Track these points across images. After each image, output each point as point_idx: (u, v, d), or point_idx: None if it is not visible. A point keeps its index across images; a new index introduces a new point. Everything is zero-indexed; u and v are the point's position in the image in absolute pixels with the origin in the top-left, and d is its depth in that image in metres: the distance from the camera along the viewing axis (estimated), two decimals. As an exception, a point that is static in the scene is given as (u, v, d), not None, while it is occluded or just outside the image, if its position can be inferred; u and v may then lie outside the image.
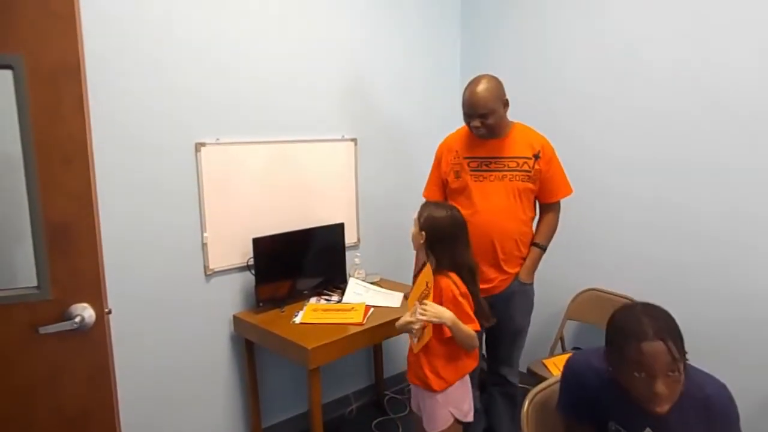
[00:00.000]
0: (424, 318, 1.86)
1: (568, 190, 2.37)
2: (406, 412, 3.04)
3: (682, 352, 1.27)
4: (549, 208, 2.37)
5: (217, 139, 2.44)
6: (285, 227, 2.62)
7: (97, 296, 1.43)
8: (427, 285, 1.90)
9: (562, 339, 2.88)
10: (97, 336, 1.44)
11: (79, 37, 1.34)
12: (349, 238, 2.92)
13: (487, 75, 2.22)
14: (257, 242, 2.46)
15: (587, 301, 2.82)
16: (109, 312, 1.48)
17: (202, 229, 2.42)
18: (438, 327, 1.93)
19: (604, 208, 2.82)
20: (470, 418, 2.08)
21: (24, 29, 1.28)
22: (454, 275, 1.98)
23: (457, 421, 2.04)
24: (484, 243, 2.22)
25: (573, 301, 2.87)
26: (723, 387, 1.36)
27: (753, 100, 2.27)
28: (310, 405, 2.26)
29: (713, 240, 2.44)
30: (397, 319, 2.20)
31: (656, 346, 1.24)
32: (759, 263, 2.32)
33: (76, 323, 1.37)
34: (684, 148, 2.49)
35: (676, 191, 2.54)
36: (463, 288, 1.97)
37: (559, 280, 2.97)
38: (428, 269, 1.92)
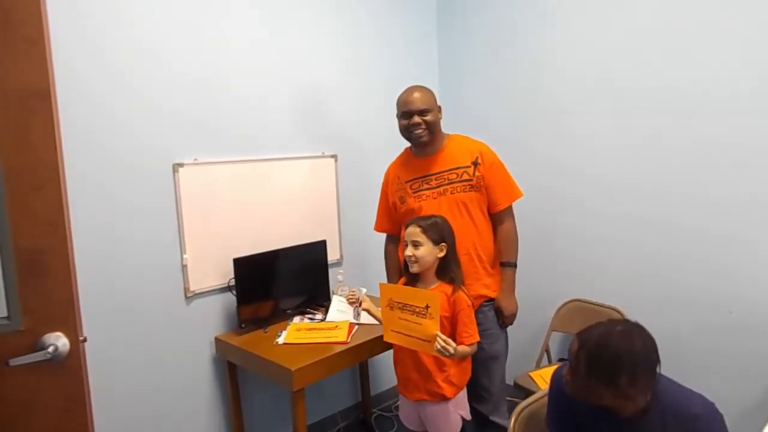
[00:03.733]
0: (446, 354, 1.80)
1: (515, 194, 2.26)
2: (394, 430, 3.01)
3: (610, 381, 1.27)
4: (500, 217, 2.24)
5: (195, 160, 2.41)
6: (266, 246, 2.58)
7: (71, 324, 1.39)
8: (426, 307, 1.81)
9: (548, 351, 2.88)
10: (71, 365, 1.39)
11: (50, 60, 1.32)
12: (332, 255, 2.90)
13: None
14: (238, 262, 2.43)
15: (572, 311, 2.82)
16: (84, 340, 1.43)
17: (182, 250, 2.39)
18: (451, 334, 1.94)
19: (586, 220, 2.83)
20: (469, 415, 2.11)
21: (-10, 53, 1.25)
22: (464, 287, 2.01)
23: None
24: None
25: (557, 312, 2.87)
26: (712, 406, 1.32)
27: (731, 117, 2.30)
28: (294, 428, 2.21)
29: (692, 251, 2.46)
30: (382, 336, 2.20)
31: (572, 343, 1.39)
32: (738, 274, 2.34)
33: (49, 353, 1.32)
34: (663, 162, 2.52)
35: (656, 204, 2.56)
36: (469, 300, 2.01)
37: (543, 291, 2.97)
38: (435, 295, 1.84)
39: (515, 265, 2.27)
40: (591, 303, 2.74)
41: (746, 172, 2.28)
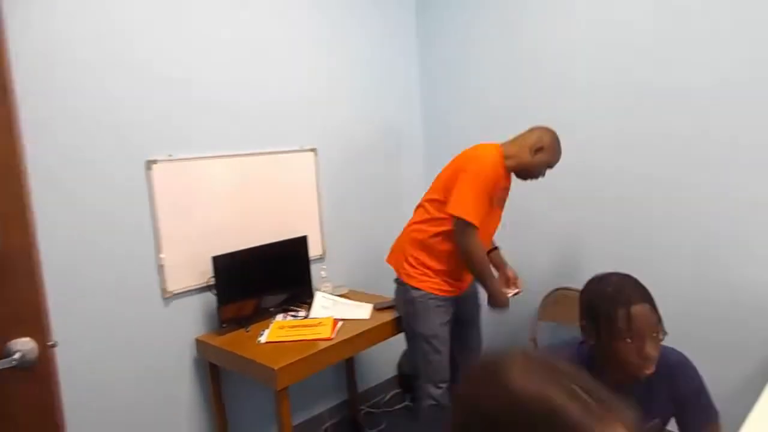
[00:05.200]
0: None
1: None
2: (382, 426, 2.97)
3: (659, 316, 1.34)
4: None
5: (170, 156, 2.33)
6: (246, 243, 2.52)
7: (39, 329, 1.32)
8: None
9: (534, 341, 2.86)
10: (41, 372, 1.33)
11: (6, 53, 1.24)
12: (314, 250, 2.84)
13: None
14: (217, 260, 2.36)
15: (559, 300, 2.81)
16: (54, 345, 1.36)
17: (158, 250, 2.31)
18: None
19: (570, 209, 2.81)
20: None
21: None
22: None
23: None
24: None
25: (544, 301, 2.85)
26: (683, 355, 1.45)
27: (709, 108, 2.32)
28: (280, 428, 2.16)
29: (679, 237, 2.47)
30: (367, 332, 2.16)
31: (644, 309, 1.30)
32: (718, 259, 2.36)
33: (15, 360, 1.25)
34: (645, 150, 2.52)
35: (641, 190, 2.56)
36: None
37: (529, 281, 2.95)
38: None
39: None
40: (578, 291, 2.72)
41: (731, 163, 2.29)
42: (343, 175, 3.04)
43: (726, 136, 2.29)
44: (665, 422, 1.47)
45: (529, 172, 2.31)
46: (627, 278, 1.39)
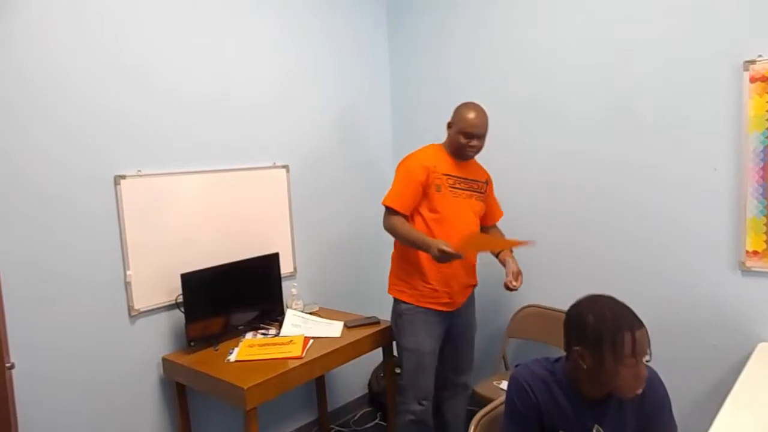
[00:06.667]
0: None
1: (501, 214, 2.68)
2: (352, 446, 2.94)
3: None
4: (494, 224, 2.69)
5: (139, 171, 2.30)
6: (216, 260, 2.49)
7: (-4, 349, 1.28)
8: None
9: (504, 359, 2.88)
10: (-3, 394, 1.29)
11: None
12: (285, 267, 2.82)
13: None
14: (186, 278, 2.32)
15: (528, 317, 2.84)
16: (11, 367, 1.32)
17: (125, 266, 2.27)
18: None
19: (533, 226, 2.86)
20: None
21: None
22: None
23: None
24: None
25: (513, 318, 2.88)
26: (654, 372, 1.43)
27: (658, 106, 2.41)
28: (248, 449, 2.12)
29: (640, 256, 2.53)
30: (338, 350, 2.12)
31: (643, 333, 1.33)
32: (678, 266, 2.43)
33: (-30, 382, 1.21)
34: (617, 169, 2.58)
35: (604, 211, 2.63)
36: None
37: (499, 298, 2.98)
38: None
39: None
40: (546, 308, 2.76)
41: (691, 181, 2.37)
42: (315, 192, 3.03)
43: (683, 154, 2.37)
44: None
45: (452, 148, 2.38)
46: (615, 301, 1.40)
